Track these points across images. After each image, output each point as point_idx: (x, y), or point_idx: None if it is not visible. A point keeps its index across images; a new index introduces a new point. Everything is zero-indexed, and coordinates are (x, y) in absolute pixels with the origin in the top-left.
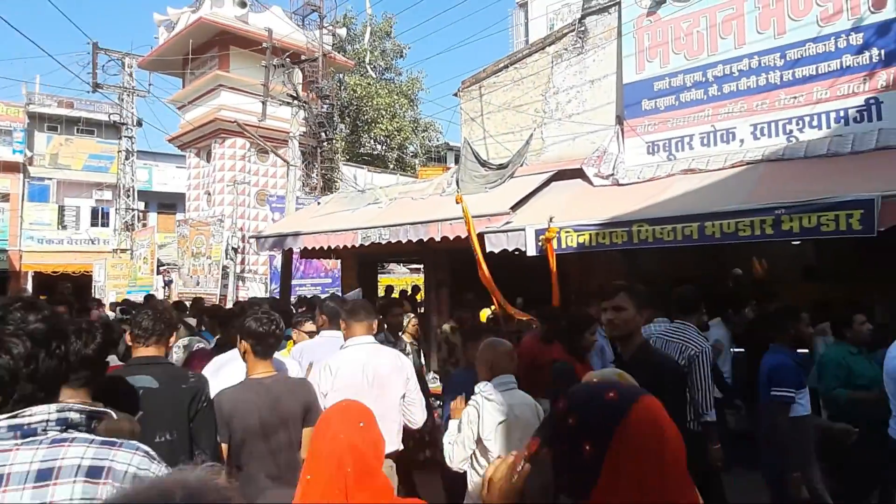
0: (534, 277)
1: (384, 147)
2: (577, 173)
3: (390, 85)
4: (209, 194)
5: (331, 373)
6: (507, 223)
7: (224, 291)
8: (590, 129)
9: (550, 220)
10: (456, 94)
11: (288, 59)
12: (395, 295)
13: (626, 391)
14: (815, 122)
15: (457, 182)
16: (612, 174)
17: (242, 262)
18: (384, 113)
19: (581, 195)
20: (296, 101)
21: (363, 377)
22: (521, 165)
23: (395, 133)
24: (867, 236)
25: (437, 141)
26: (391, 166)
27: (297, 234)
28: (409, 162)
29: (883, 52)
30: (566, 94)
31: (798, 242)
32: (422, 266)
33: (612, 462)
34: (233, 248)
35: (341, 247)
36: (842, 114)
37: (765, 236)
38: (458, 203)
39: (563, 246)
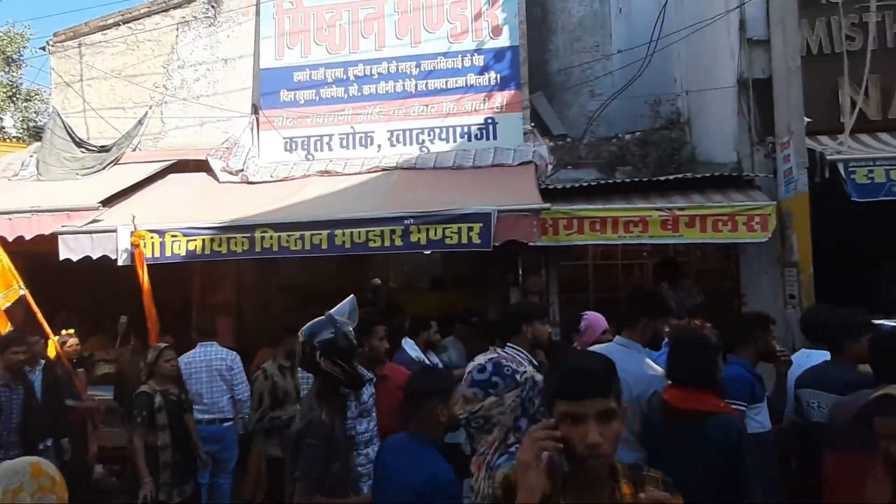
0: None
1: None
2: (202, 165)
3: None
4: None
5: None
6: (94, 221)
7: None
8: (221, 116)
9: (133, 219)
10: (44, 49)
11: None
12: None
13: None
14: (443, 135)
15: (37, 164)
16: (243, 170)
17: None
18: None
19: (202, 192)
20: None
21: None
22: (132, 150)
23: None
24: (484, 250)
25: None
26: None
27: None
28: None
29: (499, 76)
30: (194, 71)
31: (429, 252)
32: None
33: None
34: None
35: None
36: (466, 129)
37: (395, 248)
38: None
39: (169, 253)
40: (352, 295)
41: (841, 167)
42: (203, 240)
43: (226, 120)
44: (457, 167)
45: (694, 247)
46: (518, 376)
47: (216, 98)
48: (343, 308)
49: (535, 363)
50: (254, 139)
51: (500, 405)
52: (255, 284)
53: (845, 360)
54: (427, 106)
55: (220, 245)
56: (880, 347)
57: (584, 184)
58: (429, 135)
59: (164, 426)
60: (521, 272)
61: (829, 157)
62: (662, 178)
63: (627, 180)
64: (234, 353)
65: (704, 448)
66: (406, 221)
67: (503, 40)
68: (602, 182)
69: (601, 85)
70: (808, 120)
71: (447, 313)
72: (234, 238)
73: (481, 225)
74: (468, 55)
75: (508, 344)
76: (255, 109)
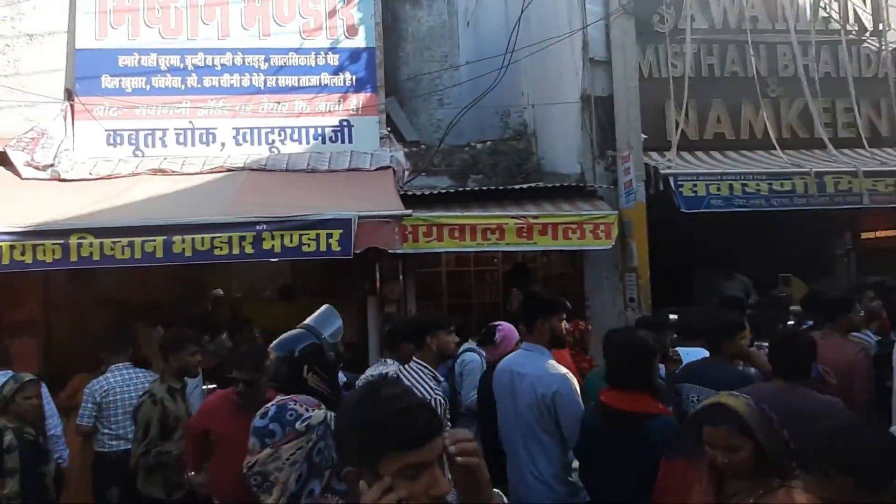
0: None
1: None
2: (1, 158)
3: None
4: None
5: None
6: None
7: None
8: (23, 100)
9: None
10: None
11: None
12: None
13: None
14: (296, 136)
15: None
16: (53, 165)
17: None
18: None
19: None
20: None
21: None
22: None
23: None
24: (344, 258)
25: None
26: None
27: None
28: None
29: (354, 77)
30: None
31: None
32: None
33: None
34: None
35: None
36: (320, 131)
37: (245, 256)
38: None
39: None
40: (327, 305)
41: (671, 181)
42: (0, 246)
43: (30, 105)
44: (311, 170)
45: (541, 254)
46: (301, 423)
47: (19, 79)
48: (320, 318)
49: (439, 379)
50: (67, 130)
51: (275, 459)
52: (68, 299)
53: (723, 358)
54: (278, 104)
55: (22, 253)
56: (778, 348)
57: (441, 191)
58: (279, 134)
59: (15, 470)
60: (378, 280)
61: (662, 172)
62: (516, 187)
63: (481, 188)
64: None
65: (645, 448)
66: (258, 227)
67: (359, 41)
68: (459, 189)
69: (450, 95)
70: (645, 136)
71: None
72: (43, 245)
73: (341, 231)
74: (322, 53)
75: (414, 359)
76: (70, 95)
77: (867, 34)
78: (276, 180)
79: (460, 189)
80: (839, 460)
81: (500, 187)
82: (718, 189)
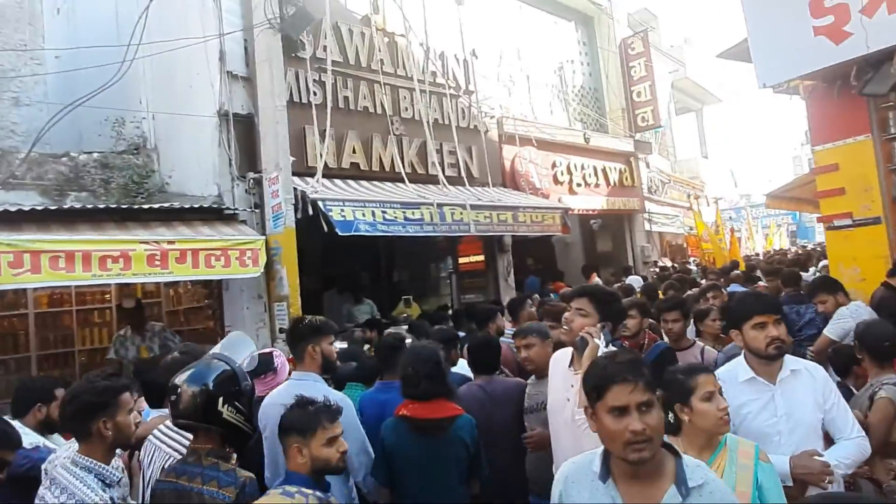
0: None
1: None
2: None
3: None
4: None
5: None
6: None
7: None
8: None
9: None
10: None
11: None
12: None
13: None
14: None
15: None
16: None
17: None
18: None
19: None
20: None
21: None
22: None
23: None
24: None
25: None
26: None
27: None
28: None
29: None
30: None
31: None
32: None
33: None
34: None
35: None
36: None
37: None
38: None
39: None
40: (237, 332)
41: (321, 205)
42: None
43: None
44: None
45: (167, 285)
46: None
47: None
48: (229, 345)
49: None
50: None
51: None
52: None
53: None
54: None
55: None
56: (478, 350)
57: (33, 207)
58: None
59: None
60: None
61: (311, 196)
62: (145, 207)
63: (96, 207)
64: None
65: (455, 448)
66: None
67: None
68: (63, 207)
69: (32, 92)
70: (293, 158)
71: None
72: None
73: None
74: None
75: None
76: None
77: (462, 91)
78: None
79: (65, 207)
80: None
81: (122, 206)
82: (364, 214)
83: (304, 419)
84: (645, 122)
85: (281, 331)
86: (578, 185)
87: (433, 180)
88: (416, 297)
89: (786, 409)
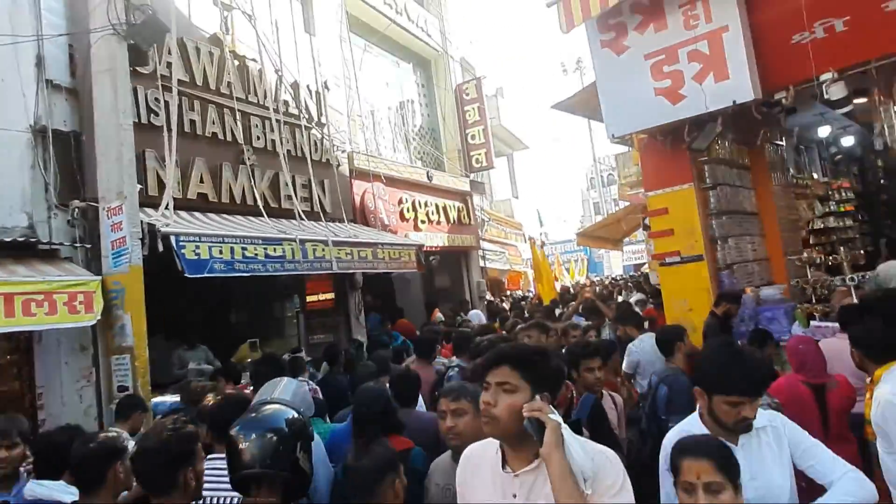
0: None
1: None
2: None
3: None
4: None
5: None
6: None
7: None
8: None
9: None
10: None
11: None
12: None
13: None
14: None
15: None
16: None
17: None
18: None
19: None
20: None
21: None
22: None
23: None
24: None
25: None
26: None
27: None
28: None
29: None
30: None
31: None
32: None
33: None
34: None
35: None
36: None
37: None
38: None
39: None
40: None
41: (173, 241)
42: None
43: None
44: None
45: None
46: None
47: None
48: (279, 388)
49: None
50: None
51: None
52: None
53: None
54: None
55: None
56: (398, 383)
57: None
58: None
59: None
60: None
61: (162, 230)
62: None
63: None
64: None
65: (419, 478)
66: None
67: None
68: None
69: None
70: (141, 186)
71: None
72: None
73: None
74: None
75: None
76: None
77: (314, 123)
78: None
79: None
80: None
81: None
82: (221, 252)
83: None
84: (479, 163)
85: (121, 389)
86: (423, 221)
87: (286, 214)
88: (259, 338)
89: (750, 472)
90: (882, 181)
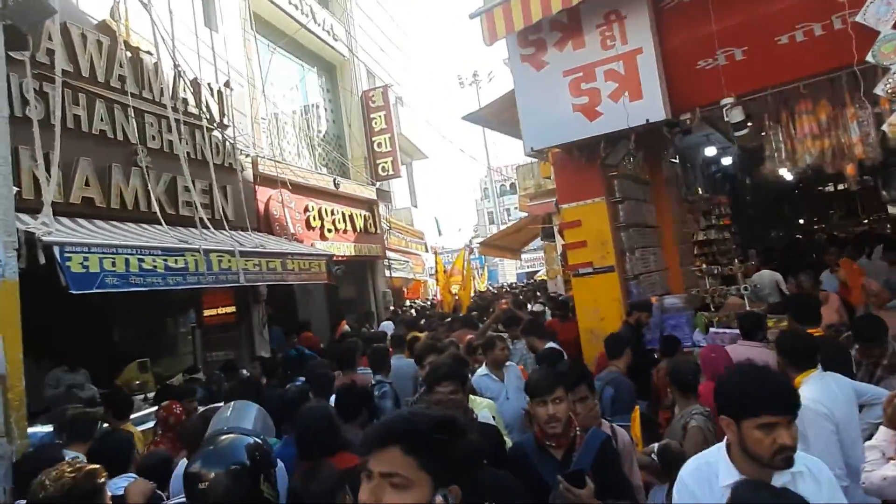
0: None
1: None
2: None
3: None
4: None
5: None
6: None
7: None
8: None
9: None
10: None
11: None
12: None
13: None
14: None
15: None
16: None
17: None
18: None
19: None
20: None
21: None
22: None
23: None
24: None
25: None
26: None
27: None
28: None
29: None
30: None
31: None
32: None
33: None
34: None
35: None
36: None
37: None
38: None
39: None
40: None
41: (57, 252)
42: None
43: None
44: None
45: None
46: None
47: None
48: (241, 414)
49: None
50: None
51: None
52: None
53: None
54: None
55: None
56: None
57: None
58: None
59: None
60: None
61: (44, 240)
62: None
63: None
64: None
65: None
66: None
67: None
68: None
69: None
70: (17, 189)
71: None
72: None
73: None
74: None
75: None
76: None
77: (216, 125)
78: None
79: None
80: None
81: None
82: (114, 264)
83: None
84: (385, 171)
85: None
86: (329, 230)
87: (185, 222)
88: (146, 356)
89: None
90: (748, 197)
